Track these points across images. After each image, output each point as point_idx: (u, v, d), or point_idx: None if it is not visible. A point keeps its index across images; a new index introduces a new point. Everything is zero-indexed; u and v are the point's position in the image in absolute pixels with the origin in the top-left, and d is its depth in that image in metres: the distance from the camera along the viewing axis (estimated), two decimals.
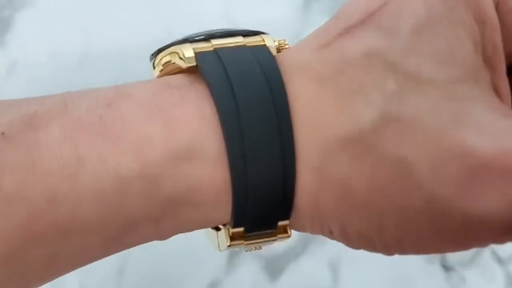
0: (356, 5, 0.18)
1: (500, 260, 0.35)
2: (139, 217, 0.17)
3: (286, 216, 0.19)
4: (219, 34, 0.19)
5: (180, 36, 0.20)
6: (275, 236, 0.19)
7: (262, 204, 0.18)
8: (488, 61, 0.18)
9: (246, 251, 0.20)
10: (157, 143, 0.17)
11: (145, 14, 0.39)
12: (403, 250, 0.18)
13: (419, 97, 0.17)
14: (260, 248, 0.20)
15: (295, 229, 0.20)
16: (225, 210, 0.18)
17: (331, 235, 0.19)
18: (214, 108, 0.18)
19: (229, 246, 0.19)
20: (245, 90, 0.18)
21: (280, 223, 0.19)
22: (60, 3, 0.39)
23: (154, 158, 0.17)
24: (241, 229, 0.19)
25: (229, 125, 0.17)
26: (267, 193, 0.18)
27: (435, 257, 0.35)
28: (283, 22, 0.32)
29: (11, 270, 0.17)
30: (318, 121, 0.18)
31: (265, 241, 0.19)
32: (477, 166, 0.16)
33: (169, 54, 0.19)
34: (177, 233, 0.19)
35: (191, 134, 0.18)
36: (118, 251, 0.18)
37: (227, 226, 0.19)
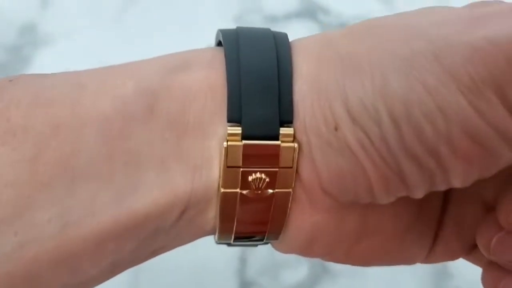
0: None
1: None
2: (143, 156, 0.17)
3: (287, 114, 0.18)
4: None
5: None
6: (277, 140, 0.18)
7: (257, 93, 0.18)
8: None
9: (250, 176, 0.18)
10: (152, 63, 0.18)
11: (162, 53, 0.40)
12: (409, 112, 0.16)
13: None
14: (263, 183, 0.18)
15: (299, 139, 0.18)
16: (221, 106, 0.18)
17: (336, 131, 0.17)
18: (216, 51, 0.19)
19: (226, 148, 0.18)
20: (249, 29, 0.19)
21: (283, 130, 0.18)
22: (79, 41, 0.40)
23: (149, 73, 0.18)
24: (238, 130, 0.18)
25: (226, 39, 0.19)
26: (261, 79, 0.18)
27: None
28: None
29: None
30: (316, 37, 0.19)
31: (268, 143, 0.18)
32: (482, 12, 0.17)
33: None
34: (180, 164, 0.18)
35: (186, 54, 0.19)
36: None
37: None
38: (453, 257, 0.22)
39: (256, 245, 0.21)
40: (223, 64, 0.18)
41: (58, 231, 0.17)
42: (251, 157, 0.18)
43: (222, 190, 0.18)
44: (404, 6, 0.42)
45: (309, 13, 0.42)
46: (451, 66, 0.16)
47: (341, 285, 0.34)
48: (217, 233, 0.19)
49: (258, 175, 0.18)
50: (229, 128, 0.18)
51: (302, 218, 0.19)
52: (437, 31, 0.16)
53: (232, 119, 0.18)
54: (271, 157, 0.18)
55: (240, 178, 0.18)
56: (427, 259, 0.22)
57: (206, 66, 0.18)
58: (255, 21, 0.42)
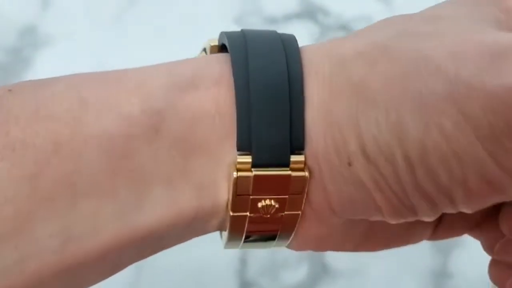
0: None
1: None
2: (149, 173, 0.17)
3: (298, 141, 0.17)
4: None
5: None
6: (288, 170, 0.17)
7: (267, 119, 0.17)
8: None
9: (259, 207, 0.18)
10: (157, 76, 0.18)
11: (162, 53, 0.40)
12: (425, 157, 0.16)
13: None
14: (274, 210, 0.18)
15: (310, 166, 0.18)
16: (230, 130, 0.17)
17: (349, 166, 0.17)
18: (224, 56, 0.18)
19: (236, 178, 0.17)
20: (257, 36, 0.18)
21: (294, 158, 0.18)
22: (79, 42, 0.40)
23: (154, 88, 0.17)
24: (248, 158, 0.17)
25: (234, 50, 0.18)
26: (272, 105, 0.17)
27: None
28: None
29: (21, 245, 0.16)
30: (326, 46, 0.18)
31: (278, 173, 0.17)
32: (500, 50, 0.16)
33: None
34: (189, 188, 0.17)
35: (193, 67, 0.18)
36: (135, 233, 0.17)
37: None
38: (456, 235, 0.22)
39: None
40: (231, 82, 0.18)
41: (59, 246, 0.16)
42: (261, 186, 0.18)
43: (231, 213, 0.18)
44: (404, 6, 0.42)
45: (309, 14, 0.42)
46: (470, 112, 0.16)
47: (341, 285, 0.34)
48: (225, 243, 0.19)
49: (267, 202, 0.18)
50: (238, 156, 0.17)
51: (310, 231, 0.19)
52: (455, 70, 0.16)
53: (242, 147, 0.17)
54: (281, 185, 0.18)
55: (249, 204, 0.18)
56: (430, 238, 0.22)
57: (214, 84, 0.18)
58: (255, 22, 0.42)
